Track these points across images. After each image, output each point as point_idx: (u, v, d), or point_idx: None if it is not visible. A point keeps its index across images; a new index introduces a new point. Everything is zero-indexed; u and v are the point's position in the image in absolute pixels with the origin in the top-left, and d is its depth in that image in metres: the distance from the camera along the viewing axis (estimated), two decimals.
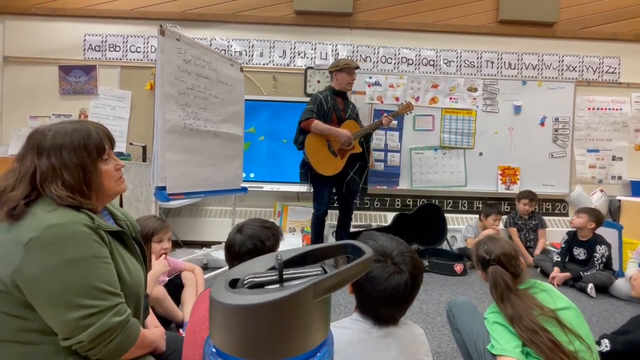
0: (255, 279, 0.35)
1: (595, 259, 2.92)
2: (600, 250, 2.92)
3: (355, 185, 3.17)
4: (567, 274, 2.94)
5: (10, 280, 0.85)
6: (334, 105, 3.07)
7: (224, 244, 1.33)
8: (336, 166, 3.05)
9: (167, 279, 2.04)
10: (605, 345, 1.56)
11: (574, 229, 3.09)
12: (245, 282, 0.35)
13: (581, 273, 2.89)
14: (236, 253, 1.24)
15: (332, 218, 3.66)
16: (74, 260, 0.87)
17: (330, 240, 3.67)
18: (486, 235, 1.65)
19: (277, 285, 0.34)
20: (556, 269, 3.00)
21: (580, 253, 3.06)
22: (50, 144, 0.95)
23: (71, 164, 0.96)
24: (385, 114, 3.26)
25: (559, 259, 3.09)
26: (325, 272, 0.35)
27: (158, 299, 1.83)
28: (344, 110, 3.13)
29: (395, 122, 3.95)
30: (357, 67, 3.14)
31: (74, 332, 0.86)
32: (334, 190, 3.22)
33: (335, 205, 3.39)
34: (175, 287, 2.02)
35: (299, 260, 0.40)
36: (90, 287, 0.88)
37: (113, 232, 1.00)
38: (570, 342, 1.21)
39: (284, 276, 0.35)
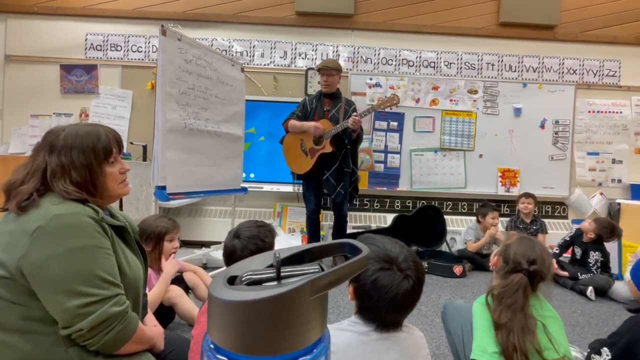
0: (253, 276, 0.36)
1: (590, 263, 2.97)
2: (594, 256, 2.97)
3: (330, 187, 3.06)
4: (565, 272, 3.01)
5: (16, 268, 0.88)
6: (317, 106, 3.13)
7: (223, 245, 1.33)
8: (306, 165, 3.09)
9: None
10: (607, 354, 1.55)
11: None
12: (243, 279, 0.36)
13: (578, 274, 2.93)
14: (239, 258, 1.23)
15: (332, 219, 3.66)
16: (78, 249, 0.90)
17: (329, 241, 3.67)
18: (518, 237, 1.37)
19: (275, 283, 0.35)
20: (554, 262, 3.06)
21: (578, 253, 3.10)
22: (62, 144, 1.00)
23: (79, 164, 1.00)
24: (355, 113, 2.94)
25: (557, 251, 3.13)
26: (323, 269, 0.36)
27: (179, 297, 1.85)
28: (328, 110, 3.13)
29: (395, 124, 3.98)
30: (321, 68, 3.03)
31: (74, 319, 0.88)
32: (325, 191, 3.20)
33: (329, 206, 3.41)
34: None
35: (297, 258, 0.40)
36: (92, 276, 0.91)
37: (115, 227, 1.03)
38: (555, 350, 1.17)
39: (282, 274, 0.36)
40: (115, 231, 1.03)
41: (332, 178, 3.05)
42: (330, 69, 3.03)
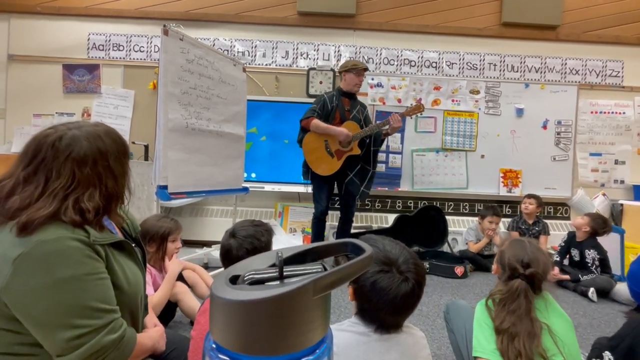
0: (255, 276, 0.36)
1: (588, 263, 2.97)
2: (590, 254, 2.97)
3: (355, 187, 3.10)
4: (566, 276, 2.99)
5: None
6: (338, 105, 3.07)
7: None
8: (332, 167, 3.04)
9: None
10: (609, 358, 1.54)
11: (575, 230, 3.14)
12: (245, 278, 0.35)
13: (580, 276, 2.92)
14: (235, 257, 1.24)
15: (333, 219, 3.66)
16: (65, 279, 0.81)
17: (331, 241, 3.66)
18: (513, 239, 1.36)
19: (278, 282, 0.34)
20: (555, 268, 3.04)
21: (575, 254, 3.10)
22: (92, 151, 0.90)
23: (117, 172, 0.94)
24: (394, 113, 3.04)
25: (557, 259, 3.14)
26: (325, 269, 0.35)
27: (184, 293, 1.85)
28: (349, 110, 3.10)
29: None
30: (366, 69, 3.10)
31: (65, 351, 0.82)
32: (335, 191, 3.22)
33: (336, 206, 3.39)
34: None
35: (300, 258, 0.40)
36: (82, 307, 0.83)
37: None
38: (561, 353, 1.16)
39: (285, 273, 0.35)
40: (114, 243, 0.95)
41: (356, 178, 3.10)
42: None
